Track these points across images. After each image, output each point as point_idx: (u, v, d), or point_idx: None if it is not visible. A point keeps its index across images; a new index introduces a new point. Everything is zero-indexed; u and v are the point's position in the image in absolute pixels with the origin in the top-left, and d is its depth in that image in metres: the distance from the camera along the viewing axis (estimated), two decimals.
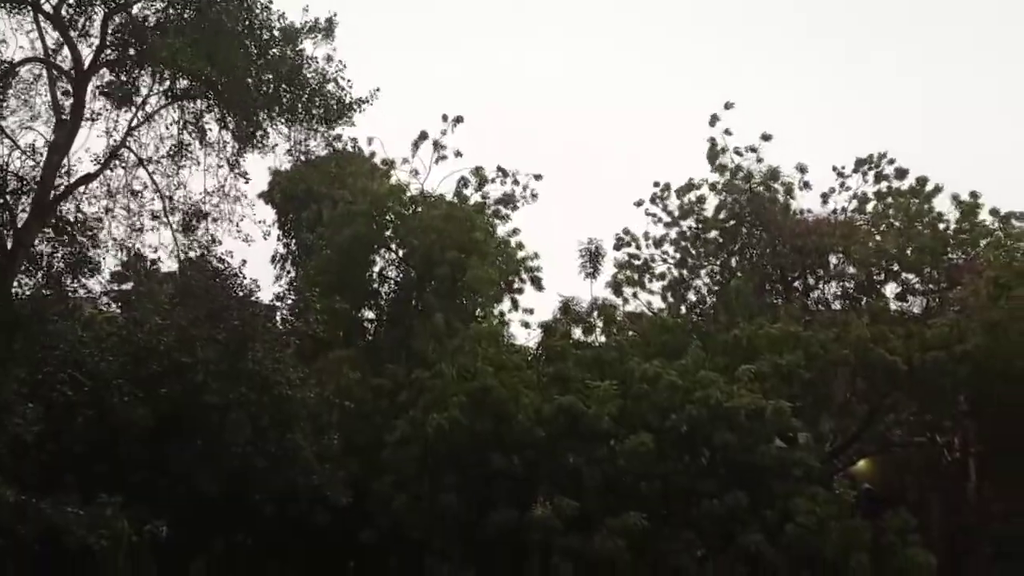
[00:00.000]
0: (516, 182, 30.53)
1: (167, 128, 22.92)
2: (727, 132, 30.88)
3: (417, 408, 25.05)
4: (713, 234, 31.37)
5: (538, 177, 30.39)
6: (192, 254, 23.61)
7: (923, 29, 76.93)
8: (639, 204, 32.19)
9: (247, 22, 20.79)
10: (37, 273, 21.90)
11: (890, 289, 29.26)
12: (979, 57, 76.34)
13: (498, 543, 24.10)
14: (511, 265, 29.77)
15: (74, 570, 20.28)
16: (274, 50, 21.73)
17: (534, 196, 30.62)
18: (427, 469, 24.63)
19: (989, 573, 27.24)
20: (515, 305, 29.66)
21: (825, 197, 31.02)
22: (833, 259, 29.71)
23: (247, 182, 23.68)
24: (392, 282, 31.33)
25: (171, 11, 20.69)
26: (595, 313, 29.29)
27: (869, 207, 30.67)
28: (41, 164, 20.55)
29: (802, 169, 30.77)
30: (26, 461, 18.93)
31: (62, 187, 21.46)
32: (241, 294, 23.51)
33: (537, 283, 30.02)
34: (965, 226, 28.91)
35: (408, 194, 30.04)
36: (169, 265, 24.78)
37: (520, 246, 30.60)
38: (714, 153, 31.10)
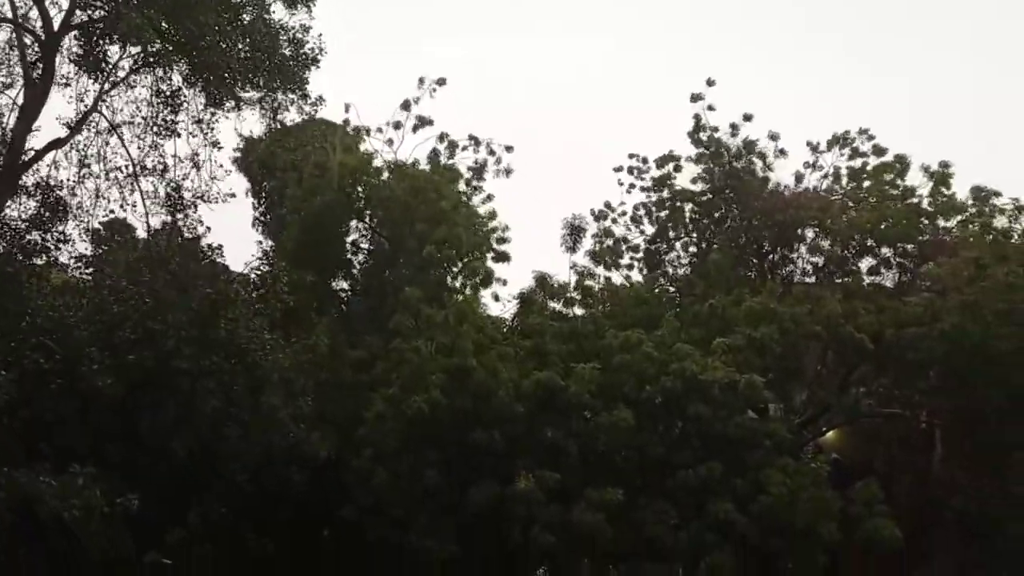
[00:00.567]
0: (491, 152, 30.19)
1: (139, 92, 22.64)
2: (710, 108, 30.72)
3: (395, 385, 24.93)
4: (690, 206, 31.33)
5: (509, 149, 29.98)
6: (162, 219, 23.45)
7: (918, 24, 77.12)
8: (618, 170, 31.99)
9: None
10: (6, 237, 21.60)
11: (865, 264, 29.38)
12: (976, 53, 76.47)
13: (479, 518, 24.19)
14: (480, 236, 28.51)
15: (47, 541, 20.12)
16: (245, 16, 21.46)
17: (508, 172, 30.20)
18: (407, 448, 24.58)
19: (955, 545, 27.75)
20: (487, 279, 27.93)
21: (800, 177, 30.86)
22: (810, 233, 29.77)
23: (219, 149, 23.50)
24: (364, 252, 30.96)
25: None
26: (572, 284, 29.29)
27: (843, 182, 30.65)
28: (10, 129, 20.18)
29: (774, 137, 30.65)
30: None
31: (31, 152, 21.13)
32: (206, 261, 23.29)
33: (503, 257, 28.50)
34: (939, 199, 28.95)
35: (375, 164, 29.54)
36: (140, 232, 24.60)
37: (493, 215, 29.63)
38: (697, 128, 31.00)
